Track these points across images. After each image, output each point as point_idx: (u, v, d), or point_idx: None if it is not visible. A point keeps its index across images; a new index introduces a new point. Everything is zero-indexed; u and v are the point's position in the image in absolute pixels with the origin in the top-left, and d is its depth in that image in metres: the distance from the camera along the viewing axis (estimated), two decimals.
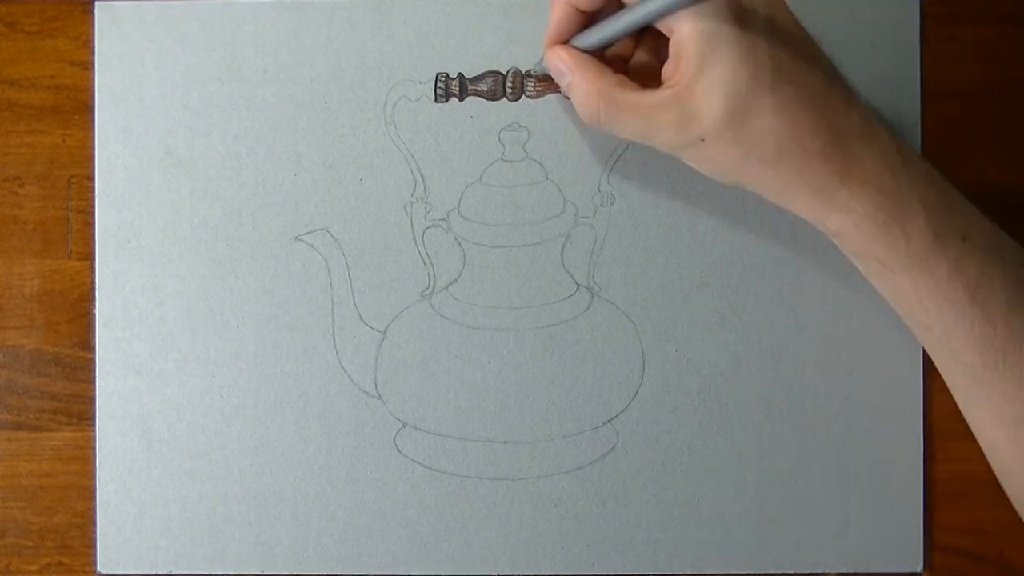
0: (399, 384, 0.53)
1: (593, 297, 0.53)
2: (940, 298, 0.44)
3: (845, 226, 0.45)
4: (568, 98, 0.49)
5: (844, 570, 0.53)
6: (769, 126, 0.43)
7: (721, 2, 0.43)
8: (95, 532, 0.53)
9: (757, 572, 0.53)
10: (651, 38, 0.48)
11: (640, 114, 0.45)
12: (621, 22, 0.46)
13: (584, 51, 0.48)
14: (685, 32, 0.43)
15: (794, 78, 0.44)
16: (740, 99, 0.43)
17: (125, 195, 0.53)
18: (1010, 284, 0.45)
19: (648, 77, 0.47)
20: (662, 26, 0.45)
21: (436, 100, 0.53)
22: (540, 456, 0.53)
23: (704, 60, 0.43)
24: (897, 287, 0.46)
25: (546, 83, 0.52)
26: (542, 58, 0.49)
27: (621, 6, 0.46)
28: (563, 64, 0.47)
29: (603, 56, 0.48)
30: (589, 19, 0.48)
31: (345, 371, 0.53)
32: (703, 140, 0.44)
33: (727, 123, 0.43)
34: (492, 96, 0.53)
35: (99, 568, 0.53)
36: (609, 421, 0.53)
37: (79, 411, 0.54)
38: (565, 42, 0.48)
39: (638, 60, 0.49)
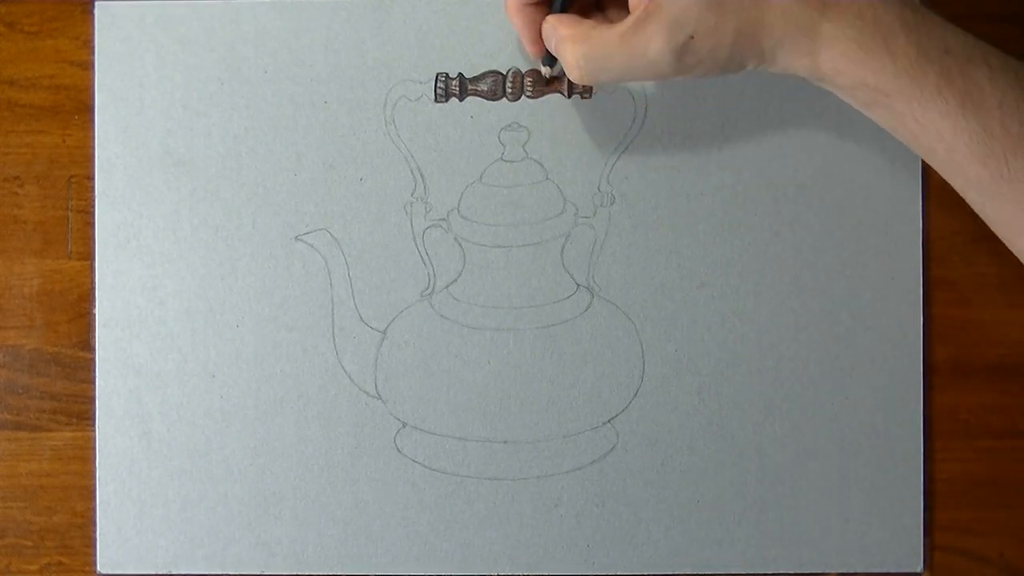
0: (399, 384, 0.53)
1: (593, 297, 0.53)
2: (934, 113, 0.45)
3: (834, 59, 0.45)
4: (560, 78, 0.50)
5: (844, 570, 0.53)
6: None
7: None
8: (95, 532, 0.53)
9: (757, 572, 0.53)
10: None
11: (623, 43, 0.46)
12: None
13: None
14: None
15: None
16: None
17: (125, 195, 0.53)
18: (999, 88, 0.45)
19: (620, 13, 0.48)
20: None
21: (436, 100, 0.53)
22: (540, 456, 0.53)
23: None
24: (894, 112, 0.46)
25: (551, 84, 0.52)
26: (543, 62, 0.51)
27: None
28: (550, 27, 0.48)
29: (575, 11, 0.49)
30: (546, 5, 0.49)
31: (345, 371, 0.53)
32: (692, 37, 0.45)
33: (706, 6, 0.44)
34: (492, 96, 0.53)
35: (99, 568, 0.53)
36: (609, 421, 0.53)
37: (79, 411, 0.54)
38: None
39: (608, 6, 0.50)
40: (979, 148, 0.45)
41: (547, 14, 0.49)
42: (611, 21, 0.49)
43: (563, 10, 0.49)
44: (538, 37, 0.50)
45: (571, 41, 0.47)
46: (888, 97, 0.45)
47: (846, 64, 0.45)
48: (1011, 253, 0.48)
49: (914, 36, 0.45)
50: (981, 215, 0.47)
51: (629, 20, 0.45)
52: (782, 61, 0.46)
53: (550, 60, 0.51)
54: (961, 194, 0.47)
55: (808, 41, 0.45)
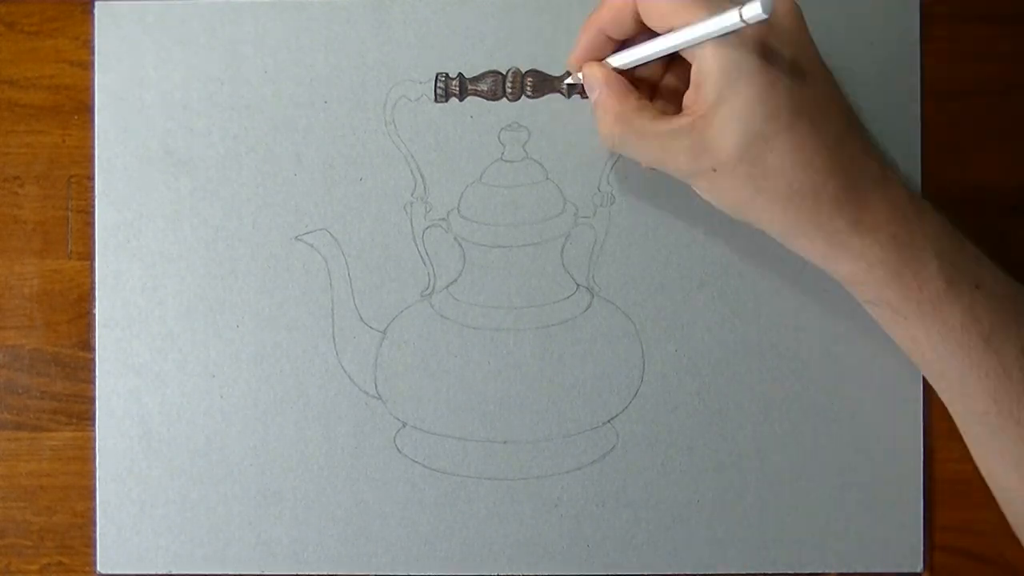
0: (399, 384, 0.53)
1: (593, 297, 0.53)
2: (954, 346, 0.44)
3: (857, 272, 0.45)
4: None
5: (844, 570, 0.53)
6: (783, 164, 0.43)
7: (747, 36, 0.43)
8: (95, 532, 0.53)
9: (757, 572, 0.53)
10: (679, 65, 0.48)
11: (656, 140, 0.45)
12: (650, 48, 0.46)
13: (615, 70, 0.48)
14: (708, 61, 0.43)
15: (813, 119, 0.44)
16: (756, 134, 0.43)
17: (125, 195, 0.53)
18: None
19: (674, 102, 0.48)
20: (687, 54, 0.45)
21: (436, 100, 0.53)
22: (540, 456, 0.53)
23: (724, 91, 0.43)
24: (911, 335, 0.46)
25: (551, 83, 0.52)
26: (567, 71, 0.51)
27: (652, 36, 0.47)
28: (596, 80, 0.48)
29: (632, 76, 0.49)
30: (617, 46, 0.49)
31: (345, 371, 0.53)
32: (715, 171, 0.44)
33: (741, 157, 0.43)
34: (492, 96, 0.53)
35: (99, 568, 0.53)
36: (609, 421, 0.53)
37: (79, 411, 0.54)
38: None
39: (666, 85, 0.49)
40: (993, 385, 0.44)
41: (609, 49, 0.49)
42: (658, 99, 0.49)
43: (626, 68, 0.48)
44: (583, 61, 0.49)
45: (613, 117, 0.47)
46: (907, 320, 0.45)
47: (869, 281, 0.45)
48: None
49: (945, 267, 0.44)
50: (973, 447, 0.47)
51: (672, 124, 0.45)
52: (796, 248, 0.46)
53: (573, 88, 0.52)
54: (958, 422, 0.47)
55: (832, 248, 0.45)
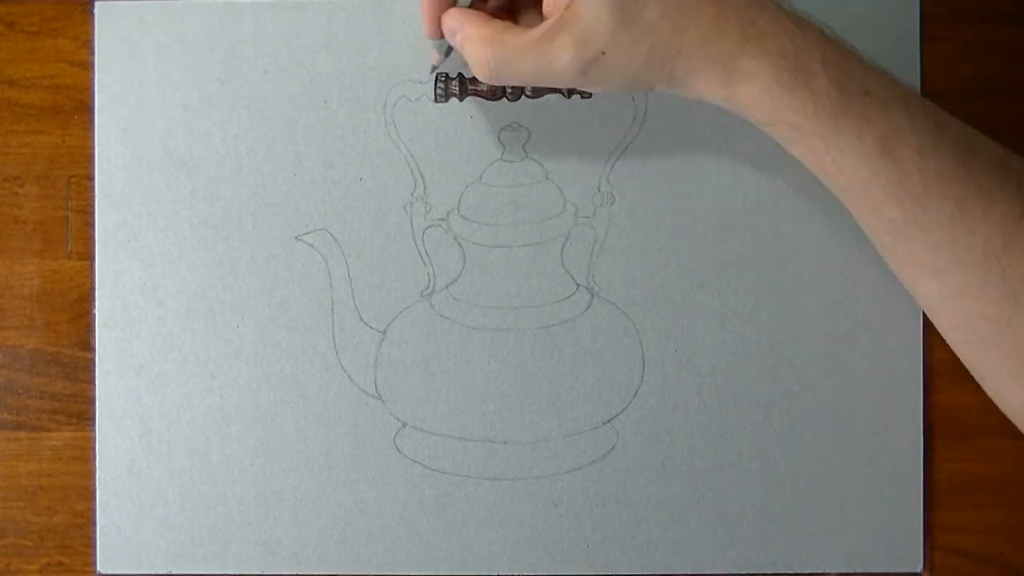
0: (399, 384, 0.53)
1: (593, 297, 0.53)
2: (852, 155, 0.45)
3: (752, 94, 0.45)
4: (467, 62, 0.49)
5: (844, 570, 0.53)
6: (659, 12, 0.44)
7: None
8: (95, 532, 0.53)
9: (757, 572, 0.53)
10: None
11: (533, 49, 0.45)
12: None
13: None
14: None
15: None
16: None
17: (125, 195, 0.53)
18: (918, 132, 0.44)
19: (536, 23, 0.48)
20: None
21: (436, 100, 0.53)
22: (540, 456, 0.53)
23: None
24: (812, 150, 0.46)
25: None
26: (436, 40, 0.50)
27: None
28: (454, 21, 0.48)
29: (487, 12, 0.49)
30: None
31: (345, 371, 0.53)
32: (604, 53, 0.45)
33: (621, 24, 0.44)
34: (492, 96, 0.53)
35: (99, 568, 0.53)
36: (609, 421, 0.53)
37: (79, 411, 0.54)
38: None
39: (521, 9, 0.49)
40: (895, 191, 0.44)
41: (452, 3, 0.48)
42: (521, 25, 0.48)
43: (471, 6, 0.48)
44: (437, 20, 0.49)
45: (480, 41, 0.46)
46: (805, 136, 0.45)
47: (764, 100, 0.45)
48: None
49: (835, 76, 0.44)
50: (887, 256, 0.47)
51: (542, 27, 0.45)
52: (695, 88, 0.46)
53: (444, 48, 0.51)
54: (870, 234, 0.47)
55: (725, 74, 0.45)
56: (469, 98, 0.53)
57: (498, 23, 0.47)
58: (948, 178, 0.44)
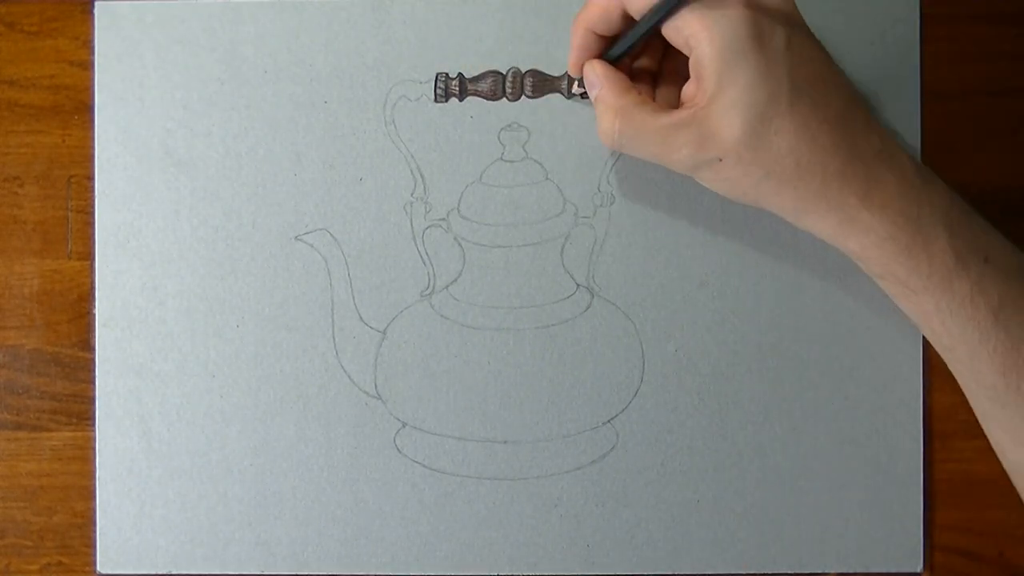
0: (399, 384, 0.53)
1: (593, 297, 0.53)
2: (963, 319, 0.44)
3: (866, 247, 0.45)
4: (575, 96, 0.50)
5: (844, 570, 0.53)
6: (788, 146, 0.43)
7: (739, 19, 0.43)
8: (95, 532, 0.53)
9: (757, 572, 0.53)
10: (676, 57, 0.48)
11: (657, 134, 0.45)
12: (633, 32, 0.47)
13: (612, 63, 0.48)
14: (704, 51, 0.44)
15: (813, 98, 0.44)
16: (758, 119, 0.43)
17: (125, 195, 0.53)
18: None
19: (674, 96, 0.48)
20: (683, 47, 0.45)
21: (436, 100, 0.53)
22: (540, 456, 0.53)
23: (722, 80, 0.43)
24: (920, 308, 0.46)
25: (551, 83, 0.52)
26: (567, 74, 0.51)
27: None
28: (596, 77, 0.48)
29: (630, 72, 0.49)
30: (609, 43, 0.49)
31: (345, 371, 0.53)
32: (720, 160, 0.44)
33: (745, 143, 0.43)
34: (492, 96, 0.53)
35: (99, 568, 0.53)
36: (609, 421, 0.53)
37: (79, 411, 0.54)
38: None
39: (665, 79, 0.49)
40: (1003, 359, 0.44)
41: (603, 48, 0.49)
42: (660, 97, 0.49)
43: (618, 58, 0.48)
44: (581, 62, 0.49)
45: (612, 111, 0.47)
46: (916, 295, 0.45)
47: (878, 255, 0.45)
48: None
49: (954, 240, 0.44)
50: (982, 419, 0.47)
51: (673, 116, 0.45)
52: (806, 224, 0.46)
53: (579, 89, 0.51)
54: (968, 395, 0.47)
55: (840, 224, 0.45)
56: (469, 98, 0.53)
57: (633, 95, 0.47)
58: None
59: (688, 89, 0.45)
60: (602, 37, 0.48)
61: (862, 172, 0.44)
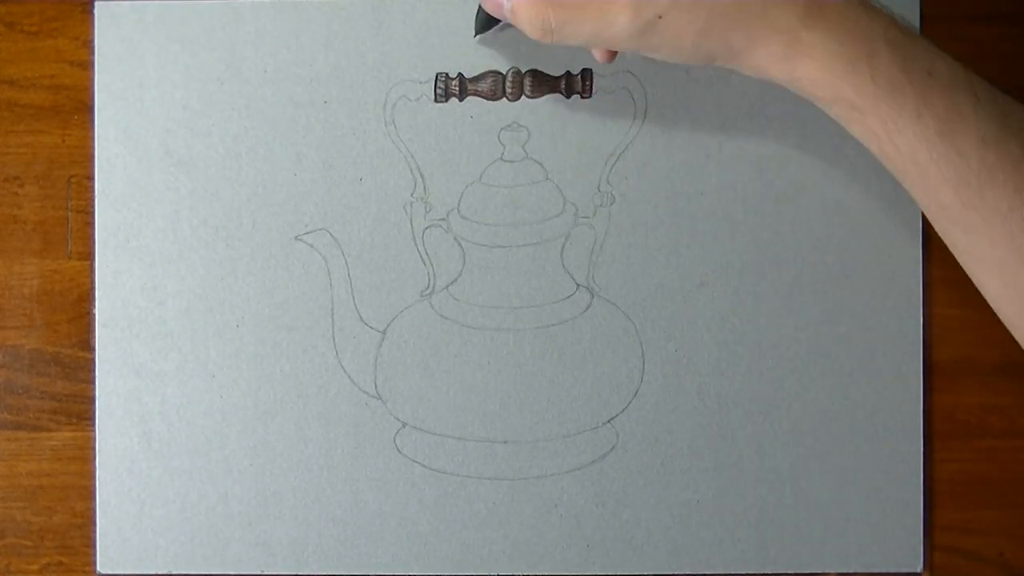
0: (399, 384, 0.53)
1: (593, 297, 0.53)
2: (910, 135, 0.44)
3: (812, 69, 0.44)
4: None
5: (844, 570, 0.53)
6: None
7: None
8: (95, 532, 0.53)
9: (757, 572, 0.53)
10: None
11: (592, 9, 0.44)
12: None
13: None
14: None
15: None
16: None
17: (125, 195, 0.53)
18: (982, 118, 0.43)
19: None
20: None
21: (436, 100, 0.53)
22: (540, 456, 0.53)
23: None
24: (870, 130, 0.45)
25: (551, 84, 0.52)
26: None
27: None
28: None
29: None
30: None
31: (345, 371, 0.53)
32: (661, 17, 0.44)
33: None
34: (492, 96, 0.53)
35: (99, 568, 0.53)
36: (609, 421, 0.53)
37: (79, 411, 0.54)
38: None
39: None
40: (953, 176, 0.43)
41: None
42: None
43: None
44: None
45: (541, 3, 0.45)
46: (864, 116, 0.44)
47: (824, 76, 0.44)
48: None
49: (898, 54, 0.44)
50: (947, 243, 0.46)
51: None
52: (755, 63, 0.45)
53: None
54: (930, 219, 0.46)
55: (786, 47, 0.44)
56: (469, 98, 0.53)
57: None
58: (1010, 168, 0.43)
59: None
60: None
61: None
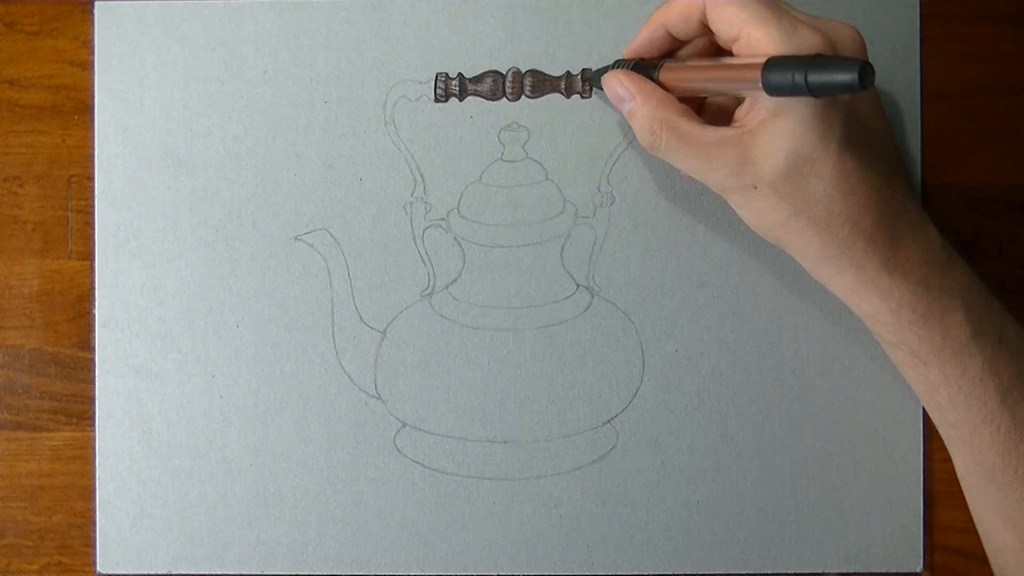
0: (399, 384, 0.53)
1: (593, 297, 0.53)
2: (970, 396, 0.44)
3: (881, 311, 0.45)
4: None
5: (844, 570, 0.53)
6: (824, 192, 0.43)
7: (811, 48, 0.42)
8: (95, 532, 0.53)
9: (757, 572, 0.53)
10: None
11: (700, 148, 0.45)
12: (711, 80, 0.45)
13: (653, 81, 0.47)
14: None
15: (861, 153, 0.43)
16: (802, 157, 0.42)
17: (125, 195, 0.53)
18: None
19: (717, 114, 0.47)
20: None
21: (436, 100, 0.53)
22: (540, 456, 0.53)
23: (778, 107, 0.42)
24: (928, 380, 0.46)
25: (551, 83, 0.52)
26: (596, 69, 0.51)
27: (711, 42, 0.46)
28: (623, 90, 0.47)
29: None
30: (676, 46, 0.48)
31: (345, 371, 0.53)
32: (755, 188, 0.44)
33: (783, 176, 0.43)
34: (492, 96, 0.53)
35: (99, 568, 0.53)
36: (609, 421, 0.53)
37: (79, 411, 0.54)
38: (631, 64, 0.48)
39: (713, 100, 0.49)
40: (1005, 441, 0.44)
41: (668, 46, 0.48)
42: (707, 110, 0.48)
43: (654, 69, 0.47)
44: (641, 53, 0.48)
45: (658, 121, 0.45)
46: (926, 366, 0.45)
47: (892, 321, 0.44)
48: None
49: (972, 317, 0.44)
50: (973, 499, 0.47)
51: (718, 134, 0.44)
52: (824, 277, 0.45)
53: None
54: (962, 472, 0.47)
55: (860, 282, 0.44)
56: (469, 98, 0.53)
57: (675, 106, 0.46)
58: None
59: (742, 109, 0.45)
60: (671, 37, 0.47)
61: (890, 237, 0.44)
